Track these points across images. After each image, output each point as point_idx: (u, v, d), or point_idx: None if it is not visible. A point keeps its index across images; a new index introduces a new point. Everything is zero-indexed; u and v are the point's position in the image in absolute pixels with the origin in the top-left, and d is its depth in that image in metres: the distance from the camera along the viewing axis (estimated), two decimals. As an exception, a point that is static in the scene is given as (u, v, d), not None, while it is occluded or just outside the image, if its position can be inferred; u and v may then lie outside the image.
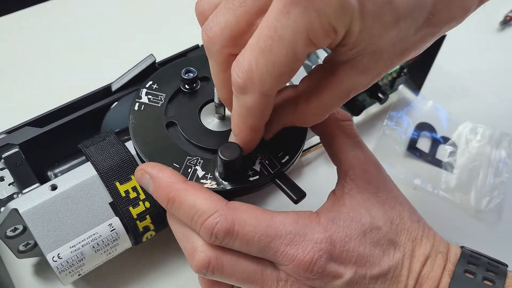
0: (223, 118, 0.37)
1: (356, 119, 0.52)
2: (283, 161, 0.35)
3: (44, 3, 0.64)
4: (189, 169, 0.34)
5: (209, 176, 0.34)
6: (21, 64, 0.57)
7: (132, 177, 0.36)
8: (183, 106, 0.38)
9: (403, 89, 0.56)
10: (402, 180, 0.49)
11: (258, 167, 0.34)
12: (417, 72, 0.52)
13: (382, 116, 0.54)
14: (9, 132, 0.38)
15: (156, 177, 0.32)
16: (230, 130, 0.36)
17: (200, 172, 0.34)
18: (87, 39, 0.60)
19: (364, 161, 0.34)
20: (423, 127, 0.53)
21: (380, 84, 0.49)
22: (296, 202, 0.34)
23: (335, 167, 0.35)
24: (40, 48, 0.59)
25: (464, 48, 0.61)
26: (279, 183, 0.34)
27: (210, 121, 0.37)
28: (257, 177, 0.34)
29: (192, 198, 0.31)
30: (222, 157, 0.31)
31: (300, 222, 0.31)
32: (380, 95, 0.48)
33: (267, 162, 0.35)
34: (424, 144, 0.52)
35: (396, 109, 0.53)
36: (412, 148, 0.51)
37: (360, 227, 0.31)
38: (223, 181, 0.33)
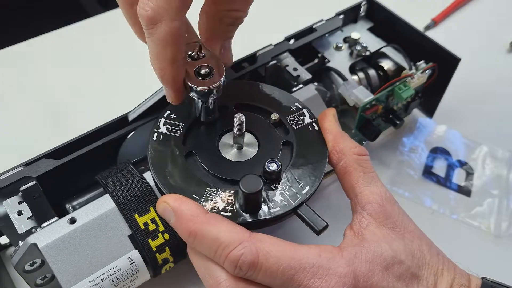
0: (242, 148, 0.37)
1: (369, 144, 0.52)
2: (303, 191, 0.35)
3: (60, 30, 0.65)
4: (209, 201, 0.34)
5: (229, 208, 0.34)
6: (37, 95, 0.58)
7: (151, 208, 0.36)
8: (201, 136, 0.38)
9: (416, 113, 0.56)
10: (418, 206, 0.49)
11: (278, 198, 0.34)
12: (430, 96, 0.52)
13: (395, 139, 0.54)
14: (26, 164, 0.38)
15: (177, 210, 0.32)
16: (249, 161, 0.36)
17: (221, 204, 0.34)
18: (103, 69, 0.61)
19: (380, 197, 0.34)
20: (438, 151, 0.53)
21: (395, 108, 0.49)
22: (318, 233, 0.34)
23: (345, 196, 0.36)
24: (55, 78, 0.60)
25: (476, 70, 0.61)
26: (301, 214, 0.34)
27: (229, 151, 0.37)
28: (278, 208, 0.34)
29: (215, 231, 0.31)
30: (244, 190, 0.31)
31: (323, 255, 0.31)
32: (395, 120, 0.48)
33: (288, 193, 0.35)
34: (439, 169, 0.52)
35: (409, 134, 0.53)
36: (428, 173, 0.51)
37: (382, 261, 0.31)
38: (243, 213, 0.33)
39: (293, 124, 0.39)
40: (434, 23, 0.67)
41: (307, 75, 0.46)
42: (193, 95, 0.35)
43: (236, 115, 0.35)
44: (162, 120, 0.38)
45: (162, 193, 0.35)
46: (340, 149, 0.37)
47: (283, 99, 0.41)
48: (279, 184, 0.35)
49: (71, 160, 0.39)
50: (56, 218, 0.36)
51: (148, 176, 0.38)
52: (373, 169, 0.36)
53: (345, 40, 0.52)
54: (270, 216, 0.33)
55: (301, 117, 0.39)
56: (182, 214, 0.32)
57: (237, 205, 0.34)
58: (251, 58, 0.46)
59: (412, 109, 0.52)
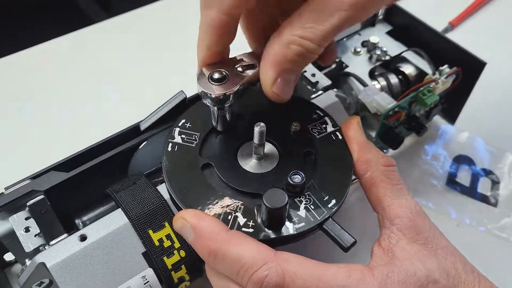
0: (262, 159, 0.35)
1: (388, 152, 0.50)
2: (329, 205, 0.33)
3: (64, 36, 0.63)
4: (229, 216, 0.32)
5: (251, 224, 0.32)
6: (45, 106, 0.56)
7: (166, 224, 0.34)
8: (219, 146, 0.36)
9: (437, 119, 0.54)
10: (443, 217, 0.47)
11: (303, 213, 0.32)
12: (452, 101, 0.50)
13: (416, 148, 0.52)
14: (34, 177, 0.36)
15: (196, 227, 0.30)
16: (270, 172, 0.34)
17: (241, 220, 0.32)
18: (113, 76, 0.59)
19: (410, 210, 0.32)
20: (461, 159, 0.51)
21: (417, 115, 0.47)
22: (346, 250, 0.32)
23: (369, 208, 0.34)
24: (63, 87, 0.58)
25: (497, 74, 0.59)
26: (327, 229, 0.32)
27: (248, 162, 0.36)
28: (303, 224, 0.32)
29: (237, 250, 0.29)
30: (268, 205, 0.29)
31: (353, 276, 0.29)
32: (418, 127, 0.46)
33: (312, 207, 0.33)
34: (463, 178, 0.50)
35: (430, 142, 0.51)
36: (452, 183, 0.49)
37: (416, 281, 0.29)
38: (266, 229, 0.31)
39: (315, 133, 0.37)
40: (451, 26, 0.65)
41: (326, 81, 0.44)
42: (208, 102, 0.33)
43: (256, 124, 0.33)
44: (177, 129, 0.37)
45: (178, 208, 0.33)
46: (366, 160, 0.35)
47: (303, 107, 0.39)
48: (302, 197, 0.33)
49: (80, 173, 0.37)
50: (65, 235, 0.34)
51: (162, 189, 0.36)
52: (401, 180, 0.34)
53: (363, 44, 0.50)
54: (294, 232, 0.31)
55: (324, 126, 0.37)
56: (201, 231, 0.30)
57: (259, 220, 0.32)
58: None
59: (434, 115, 0.50)
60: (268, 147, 0.36)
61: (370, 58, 0.49)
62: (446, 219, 0.47)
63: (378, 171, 0.34)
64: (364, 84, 0.46)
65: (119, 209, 0.35)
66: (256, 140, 0.34)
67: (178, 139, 0.36)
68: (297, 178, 0.32)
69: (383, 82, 0.48)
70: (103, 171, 0.38)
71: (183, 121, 0.37)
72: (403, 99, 0.44)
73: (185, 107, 0.39)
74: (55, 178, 0.36)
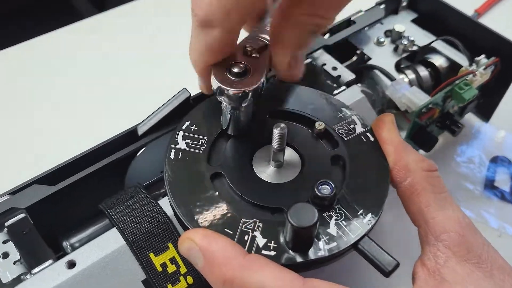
0: (281, 166, 0.30)
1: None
2: (364, 220, 0.28)
3: (53, 32, 0.58)
4: (246, 236, 0.27)
5: (272, 245, 0.26)
6: (26, 109, 0.51)
7: (170, 245, 0.29)
8: (230, 152, 0.31)
9: (469, 117, 0.49)
10: (483, 227, 0.41)
11: (334, 231, 0.27)
12: (487, 96, 0.45)
13: (448, 149, 0.46)
14: (13, 192, 0.31)
15: (207, 250, 0.25)
16: (292, 182, 0.30)
17: (261, 240, 0.27)
18: (105, 73, 0.54)
19: (459, 224, 0.28)
20: (499, 161, 0.46)
21: (451, 111, 0.42)
22: (387, 274, 0.26)
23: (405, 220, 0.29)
24: (48, 89, 0.52)
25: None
26: (364, 250, 0.27)
27: (265, 171, 0.30)
28: (334, 244, 0.27)
29: (258, 278, 0.24)
30: (294, 223, 0.24)
31: None
32: (453, 126, 0.41)
33: (345, 223, 0.27)
34: (503, 182, 0.45)
35: (463, 142, 0.46)
36: (490, 187, 0.44)
37: None
38: (291, 251, 0.26)
39: (342, 134, 0.32)
40: (478, 14, 0.60)
41: (349, 75, 0.39)
42: (223, 100, 0.28)
43: (276, 125, 0.28)
44: (181, 133, 0.31)
45: (184, 226, 0.28)
46: (405, 164, 0.30)
47: (326, 104, 0.34)
48: (332, 211, 0.28)
49: (68, 186, 0.32)
50: (50, 261, 0.29)
51: (164, 203, 0.31)
52: (446, 188, 0.30)
53: (387, 34, 0.45)
54: (325, 255, 0.26)
55: (351, 126, 0.32)
56: (213, 256, 0.25)
57: (282, 240, 0.27)
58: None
59: (467, 112, 0.45)
60: (288, 152, 0.31)
61: (396, 49, 0.44)
62: (486, 229, 0.42)
63: (419, 177, 0.29)
64: (391, 78, 0.41)
65: (114, 229, 0.30)
66: (275, 144, 0.29)
67: (182, 144, 0.31)
68: (326, 189, 0.27)
69: (412, 76, 0.43)
70: (94, 183, 0.33)
71: (188, 123, 0.32)
72: (437, 94, 0.38)
73: (189, 107, 0.34)
74: (39, 193, 0.31)
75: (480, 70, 0.40)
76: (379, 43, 0.44)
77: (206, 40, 0.27)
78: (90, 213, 0.32)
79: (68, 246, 0.31)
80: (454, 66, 0.43)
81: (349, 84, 0.39)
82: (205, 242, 0.25)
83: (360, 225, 0.27)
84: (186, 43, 0.29)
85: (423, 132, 0.40)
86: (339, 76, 0.39)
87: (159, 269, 0.29)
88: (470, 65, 0.41)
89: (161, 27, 0.59)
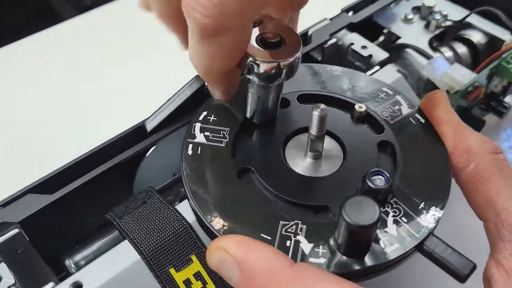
0: (320, 157, 0.26)
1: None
2: (428, 215, 0.23)
3: (35, 35, 0.53)
4: (288, 242, 0.22)
5: (321, 250, 0.22)
6: (19, 108, 0.46)
7: (194, 258, 0.25)
8: (257, 144, 0.27)
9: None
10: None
11: (393, 230, 0.23)
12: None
13: (490, 133, 0.42)
14: (4, 204, 0.27)
15: (245, 261, 0.20)
16: (335, 175, 0.25)
17: (307, 246, 0.22)
18: (104, 68, 0.49)
19: None
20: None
21: (495, 91, 0.38)
22: (463, 279, 0.22)
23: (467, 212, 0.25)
24: (40, 89, 0.48)
25: None
26: (431, 251, 0.22)
27: (301, 163, 0.26)
28: (397, 245, 0.22)
29: None
30: (352, 223, 0.20)
31: None
32: (499, 107, 0.37)
33: (405, 220, 0.23)
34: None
35: (508, 125, 0.41)
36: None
37: None
38: (343, 256, 0.22)
39: (386, 117, 0.27)
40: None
41: (382, 54, 0.35)
42: (252, 77, 0.23)
43: (315, 107, 0.24)
44: (198, 125, 0.27)
45: (212, 234, 0.23)
46: (467, 147, 0.25)
47: (364, 84, 0.29)
48: (388, 207, 0.23)
49: (69, 194, 0.27)
50: (52, 284, 0.24)
51: (183, 208, 0.26)
52: None
53: (414, 10, 0.41)
54: (387, 259, 0.22)
55: (396, 107, 0.28)
56: (252, 267, 0.20)
57: (332, 243, 0.22)
58: (302, 38, 0.35)
59: (511, 92, 0.40)
60: (326, 141, 0.26)
61: (427, 25, 0.39)
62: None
63: (484, 161, 0.25)
64: (427, 56, 0.36)
65: (125, 241, 0.25)
66: (314, 130, 0.24)
67: (200, 138, 0.26)
68: (380, 180, 0.23)
69: (449, 53, 0.38)
70: (98, 189, 0.28)
71: (205, 114, 0.28)
72: (483, 71, 0.34)
73: (203, 96, 0.29)
74: (35, 204, 0.27)
75: (528, 41, 0.36)
76: (407, 21, 0.40)
77: (219, 49, 0.22)
78: (95, 225, 0.28)
79: (72, 265, 0.26)
80: (493, 42, 0.39)
81: (382, 64, 0.34)
82: (241, 251, 0.20)
83: (424, 221, 0.23)
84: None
85: (468, 115, 0.35)
86: (370, 56, 0.35)
87: (182, 287, 0.24)
88: (515, 37, 0.37)
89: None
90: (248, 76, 0.24)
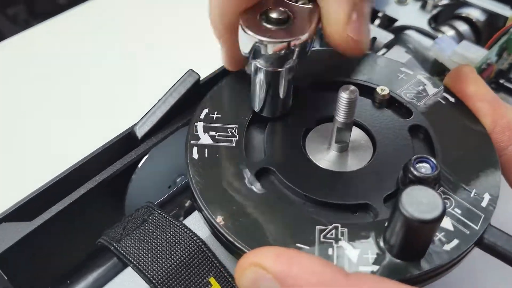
0: (347, 148, 0.23)
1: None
2: (483, 203, 0.20)
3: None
4: (330, 250, 0.19)
5: (370, 256, 0.18)
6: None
7: (212, 280, 0.21)
8: (272, 140, 0.23)
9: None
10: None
11: (448, 224, 0.20)
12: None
13: None
14: (-27, 239, 0.22)
15: (288, 277, 0.17)
16: (367, 167, 0.22)
17: (353, 252, 0.19)
18: (84, 66, 0.44)
19: None
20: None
21: (502, 68, 0.36)
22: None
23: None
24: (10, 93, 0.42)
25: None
26: (494, 244, 0.19)
27: (325, 157, 0.23)
28: (456, 241, 0.19)
29: None
30: (414, 217, 0.16)
31: None
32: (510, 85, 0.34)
33: (459, 212, 0.20)
34: None
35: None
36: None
37: None
38: (395, 259, 0.18)
39: (412, 99, 0.24)
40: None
41: (387, 35, 0.32)
42: (259, 62, 0.20)
43: (343, 88, 0.20)
44: (200, 124, 0.23)
45: (237, 250, 0.19)
46: (508, 123, 0.23)
47: (379, 66, 0.26)
48: (437, 197, 0.20)
49: (51, 219, 0.23)
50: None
51: (192, 223, 0.22)
52: None
53: (406, -8, 0.39)
54: (449, 259, 0.18)
55: (420, 87, 0.25)
56: (298, 283, 0.16)
57: (382, 247, 0.19)
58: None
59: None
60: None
61: (423, 6, 0.37)
62: None
63: None
64: (432, 36, 0.34)
65: (127, 270, 0.21)
66: (341, 116, 0.21)
67: (205, 138, 0.23)
68: (425, 168, 0.20)
69: (450, 32, 0.36)
70: (87, 211, 0.24)
71: (206, 111, 0.24)
72: (493, 47, 0.32)
73: (200, 93, 0.26)
74: (11, 234, 0.22)
75: (535, 13, 0.34)
76: (401, 2, 0.38)
77: None
78: (86, 253, 0.23)
79: (63, 305, 0.22)
80: (492, 18, 0.37)
81: (387, 46, 0.31)
82: (282, 265, 0.17)
83: (480, 210, 0.20)
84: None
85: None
86: (374, 39, 0.32)
87: (203, 317, 0.20)
88: (519, 10, 0.35)
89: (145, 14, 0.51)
90: (254, 62, 0.21)
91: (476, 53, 0.31)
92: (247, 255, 0.18)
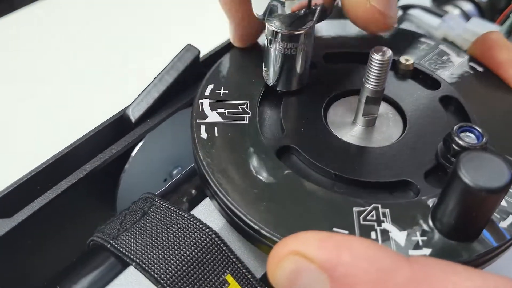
0: (374, 122, 0.20)
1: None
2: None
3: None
4: (372, 233, 0.16)
5: (419, 238, 0.16)
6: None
7: (229, 277, 0.18)
8: (290, 116, 0.21)
9: None
10: None
11: (501, 198, 0.17)
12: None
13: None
14: None
15: (338, 265, 0.14)
16: (401, 141, 0.20)
17: (399, 235, 0.16)
18: (73, 39, 0.40)
19: None
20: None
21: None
22: None
23: None
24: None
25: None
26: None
27: (351, 132, 0.20)
28: (512, 218, 0.17)
29: None
30: (479, 186, 0.14)
31: None
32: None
33: (510, 185, 0.18)
34: None
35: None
36: None
37: None
38: (448, 240, 0.16)
39: (437, 69, 0.22)
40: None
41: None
42: (275, 24, 0.18)
43: (376, 50, 0.18)
44: (206, 101, 0.20)
45: (261, 240, 0.17)
46: None
47: (398, 37, 0.24)
48: (483, 171, 0.18)
49: (33, 215, 0.19)
50: None
51: (201, 214, 0.19)
52: None
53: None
54: (506, 238, 0.16)
55: (444, 57, 0.23)
56: (351, 272, 0.14)
57: (431, 227, 0.16)
58: None
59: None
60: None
61: (425, -16, 0.35)
62: None
63: None
64: (439, 14, 0.32)
65: (129, 269, 0.18)
66: (372, 82, 0.19)
67: (213, 116, 0.20)
68: (470, 138, 0.18)
69: (456, 12, 0.34)
70: (74, 205, 0.21)
71: (211, 87, 0.21)
72: (506, 22, 0.30)
73: (200, 70, 0.23)
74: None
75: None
76: (400, -18, 0.36)
77: None
78: (77, 254, 0.20)
79: (53, 315, 0.18)
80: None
81: (397, 23, 0.29)
82: (329, 252, 0.14)
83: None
84: None
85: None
86: (381, 15, 0.30)
87: (221, 321, 0.17)
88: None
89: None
90: (269, 25, 0.19)
91: (488, 29, 0.30)
92: (283, 243, 0.15)
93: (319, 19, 0.19)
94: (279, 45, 0.19)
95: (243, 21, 0.21)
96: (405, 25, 0.32)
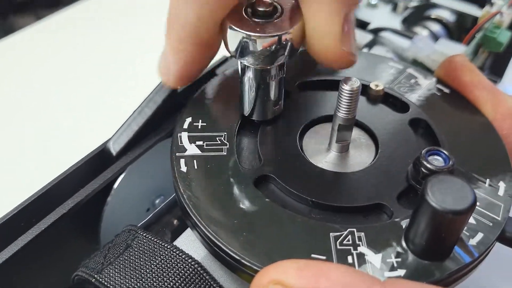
0: (348, 148, 0.21)
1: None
2: (499, 192, 0.19)
3: None
4: (349, 257, 0.17)
5: (394, 260, 0.17)
6: None
7: (214, 307, 0.19)
8: (266, 145, 0.21)
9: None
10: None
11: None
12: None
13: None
14: None
15: None
16: (374, 166, 0.20)
17: (375, 258, 0.17)
18: (49, 80, 0.40)
19: None
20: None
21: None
22: None
23: None
24: None
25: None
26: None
27: (325, 158, 0.21)
28: (481, 234, 0.18)
29: None
30: (444, 209, 0.15)
31: None
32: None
33: (478, 203, 0.19)
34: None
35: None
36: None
37: None
38: (421, 260, 0.17)
39: (405, 92, 0.23)
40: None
41: (365, 36, 0.32)
42: (247, 60, 0.19)
43: (345, 80, 0.19)
44: (185, 134, 0.21)
45: (247, 269, 0.17)
46: (508, 111, 0.22)
47: (366, 63, 0.25)
48: (451, 191, 0.19)
49: (16, 254, 0.20)
50: None
51: (184, 243, 0.20)
52: None
53: (374, -5, 0.38)
54: (477, 255, 0.17)
55: (412, 80, 0.24)
56: None
57: (404, 248, 0.17)
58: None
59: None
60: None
61: (394, 8, 0.37)
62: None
63: None
64: (408, 36, 0.33)
65: (114, 303, 0.18)
66: (343, 111, 0.20)
67: (192, 149, 0.21)
68: (438, 161, 0.19)
69: (424, 32, 0.36)
70: (58, 242, 0.21)
71: (189, 119, 0.22)
72: (471, 42, 0.32)
73: (178, 102, 0.24)
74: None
75: (505, 8, 0.34)
76: (370, 6, 0.37)
77: None
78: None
79: None
80: (462, 19, 0.37)
81: (369, 46, 0.31)
82: (308, 280, 0.15)
83: (499, 200, 0.19)
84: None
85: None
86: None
87: None
88: (491, 5, 0.35)
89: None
90: (241, 61, 0.20)
91: (455, 50, 0.31)
92: (264, 272, 0.16)
93: (290, 55, 0.20)
94: (252, 79, 0.20)
95: (193, 60, 0.21)
96: (376, 48, 0.33)
